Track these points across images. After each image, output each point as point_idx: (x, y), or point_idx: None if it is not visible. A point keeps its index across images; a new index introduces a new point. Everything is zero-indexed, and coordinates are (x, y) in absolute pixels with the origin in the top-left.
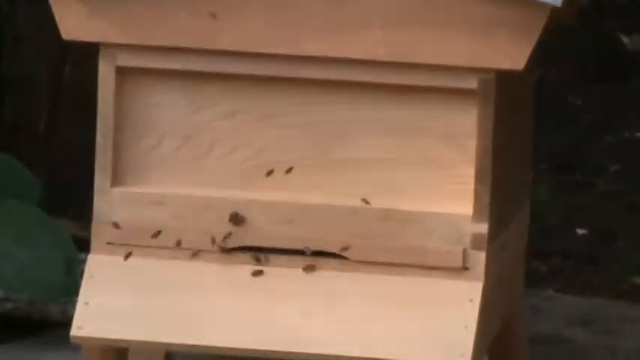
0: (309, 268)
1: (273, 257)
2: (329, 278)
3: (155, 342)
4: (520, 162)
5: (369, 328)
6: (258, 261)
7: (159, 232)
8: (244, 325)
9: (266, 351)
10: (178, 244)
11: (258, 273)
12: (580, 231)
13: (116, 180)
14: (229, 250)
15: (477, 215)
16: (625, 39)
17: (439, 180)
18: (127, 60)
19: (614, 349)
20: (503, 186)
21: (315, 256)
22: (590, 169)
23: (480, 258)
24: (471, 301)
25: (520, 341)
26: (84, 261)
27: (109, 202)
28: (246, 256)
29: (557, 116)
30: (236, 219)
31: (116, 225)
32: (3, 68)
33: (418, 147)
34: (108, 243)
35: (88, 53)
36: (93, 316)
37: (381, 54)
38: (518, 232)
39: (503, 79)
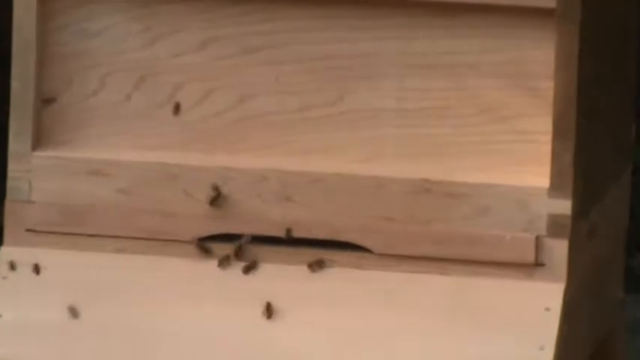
0: (316, 265)
1: (264, 250)
2: (344, 279)
3: None
4: (616, 112)
5: (399, 351)
6: (239, 255)
7: (100, 214)
8: (221, 346)
9: None
10: (127, 231)
11: (247, 270)
12: None
13: (39, 141)
14: (201, 241)
15: (555, 188)
16: None
17: (500, 138)
18: None
19: None
20: (591, 147)
21: (324, 248)
22: None
23: (559, 249)
24: (547, 310)
25: None
26: None
27: (29, 171)
28: (226, 249)
29: None
30: (214, 197)
31: (39, 204)
32: None
33: (471, 91)
34: (27, 230)
35: None
36: (8, 335)
37: None
38: (614, 213)
39: None
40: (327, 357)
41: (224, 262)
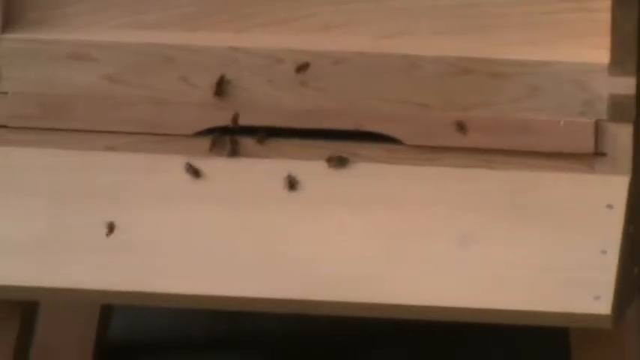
0: (337, 161)
1: (275, 143)
2: (372, 175)
3: (81, 289)
4: None
5: (447, 260)
6: (236, 146)
7: (85, 106)
8: (224, 260)
9: (262, 300)
10: (117, 125)
11: (249, 168)
12: None
13: (9, 20)
14: (202, 135)
15: (616, 63)
16: None
17: (551, 7)
18: None
19: None
20: None
21: (347, 140)
22: None
23: (623, 135)
24: (610, 207)
25: None
26: None
27: None
28: (230, 144)
29: None
30: (217, 84)
31: (11, 96)
32: None
33: None
34: None
35: None
36: None
37: None
38: None
39: None
40: (352, 260)
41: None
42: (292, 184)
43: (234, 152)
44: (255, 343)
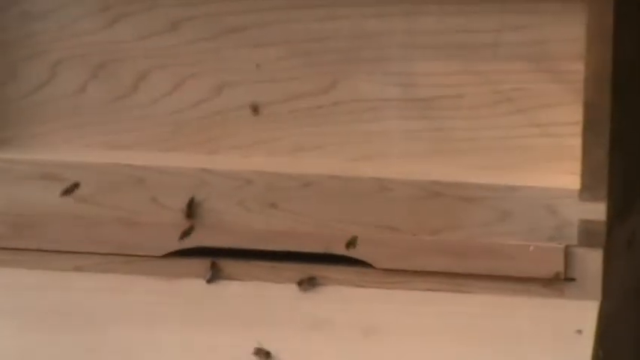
0: (306, 283)
1: (245, 265)
2: (342, 299)
3: None
4: None
5: None
6: (217, 271)
7: (54, 226)
8: None
9: None
10: (87, 245)
11: (219, 291)
12: None
13: None
14: (172, 256)
15: (587, 189)
16: None
17: (523, 132)
18: None
19: None
20: (629, 141)
21: (317, 263)
22: None
23: (593, 261)
24: (579, 333)
25: None
26: None
27: None
28: (200, 266)
29: None
30: (188, 206)
31: None
32: None
33: (489, 77)
34: None
35: None
36: None
37: None
38: None
39: None
40: None
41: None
42: (266, 354)
43: (214, 277)
44: None
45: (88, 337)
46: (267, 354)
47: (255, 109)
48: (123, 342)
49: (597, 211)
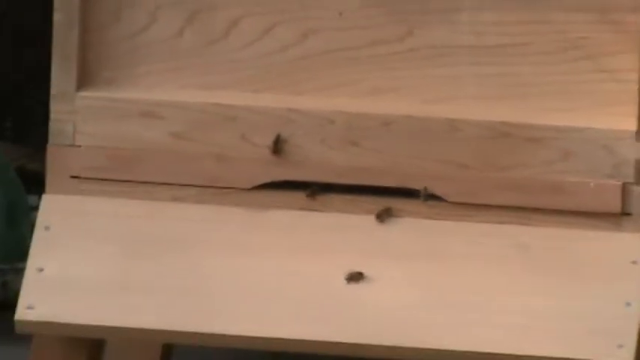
0: (384, 214)
1: (328, 198)
2: (417, 230)
3: (145, 329)
4: None
5: (475, 307)
6: (309, 199)
7: (152, 160)
8: (281, 304)
9: (315, 343)
10: (181, 178)
11: (302, 220)
12: None
13: (85, 80)
14: (260, 189)
15: None
16: None
17: (585, 77)
18: None
19: None
20: None
21: (394, 196)
22: None
23: None
24: (634, 263)
25: None
26: (34, 208)
27: (74, 113)
28: (286, 198)
29: None
30: (274, 143)
31: (84, 149)
32: None
33: (554, 26)
34: (72, 177)
35: None
36: (49, 290)
37: None
38: None
39: None
40: (400, 313)
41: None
42: (358, 274)
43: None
44: None
45: (182, 263)
46: (360, 274)
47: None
48: (214, 268)
49: None
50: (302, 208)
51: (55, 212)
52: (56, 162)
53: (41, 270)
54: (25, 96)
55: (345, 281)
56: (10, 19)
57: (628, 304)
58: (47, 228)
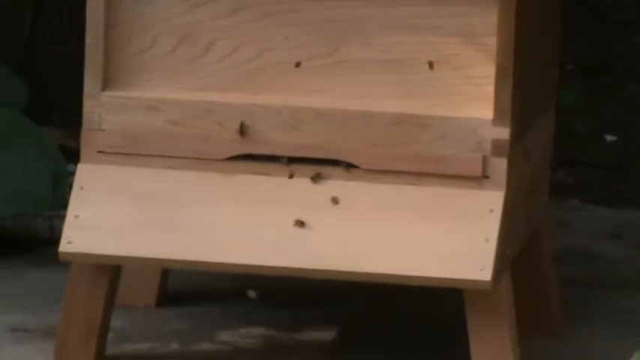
0: (317, 177)
1: (277, 166)
2: (338, 187)
3: (152, 258)
4: (544, 60)
5: (381, 241)
6: (263, 170)
7: (154, 139)
8: (248, 239)
9: (272, 267)
10: (175, 152)
11: (261, 182)
12: (609, 138)
13: (107, 83)
14: (231, 159)
15: (497, 118)
16: None
17: (456, 82)
18: None
19: None
20: (525, 86)
21: (324, 165)
22: (621, 72)
23: (500, 165)
24: (491, 211)
25: (546, 256)
26: (72, 173)
27: (100, 107)
28: (249, 165)
29: (586, 14)
30: (240, 127)
31: (107, 132)
32: None
33: (434, 46)
34: (99, 152)
35: None
36: (83, 230)
37: None
38: (543, 138)
39: None
40: (335, 249)
41: (260, 182)
42: (301, 223)
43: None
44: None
45: (178, 211)
46: (302, 222)
47: (298, 65)
48: (200, 214)
49: (504, 133)
50: (260, 174)
51: (86, 176)
52: (87, 141)
53: (77, 216)
54: (67, 96)
55: (292, 226)
56: (59, 46)
57: (487, 239)
58: (81, 188)
